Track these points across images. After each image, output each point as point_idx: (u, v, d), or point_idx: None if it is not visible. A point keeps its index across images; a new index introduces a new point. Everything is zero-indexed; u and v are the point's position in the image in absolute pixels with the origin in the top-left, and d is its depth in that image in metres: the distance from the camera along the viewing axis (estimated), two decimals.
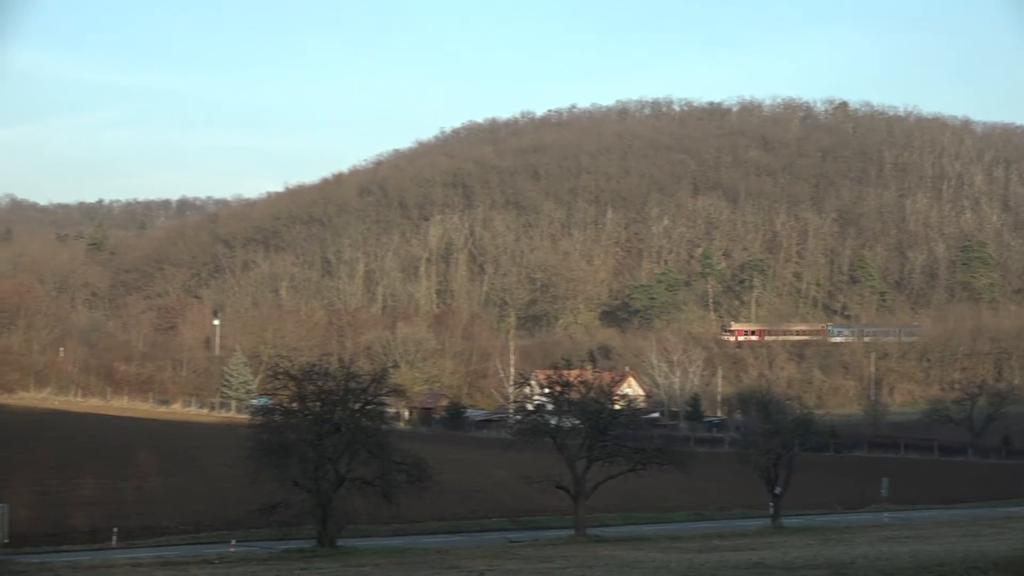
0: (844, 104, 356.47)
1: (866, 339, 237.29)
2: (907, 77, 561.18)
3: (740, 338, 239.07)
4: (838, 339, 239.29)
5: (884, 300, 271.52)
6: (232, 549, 64.48)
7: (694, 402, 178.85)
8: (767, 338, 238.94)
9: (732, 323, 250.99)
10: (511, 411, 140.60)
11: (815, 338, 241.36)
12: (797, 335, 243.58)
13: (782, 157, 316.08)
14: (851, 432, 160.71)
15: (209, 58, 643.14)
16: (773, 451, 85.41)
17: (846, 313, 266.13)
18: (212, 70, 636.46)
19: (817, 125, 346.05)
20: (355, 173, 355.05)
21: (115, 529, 73.96)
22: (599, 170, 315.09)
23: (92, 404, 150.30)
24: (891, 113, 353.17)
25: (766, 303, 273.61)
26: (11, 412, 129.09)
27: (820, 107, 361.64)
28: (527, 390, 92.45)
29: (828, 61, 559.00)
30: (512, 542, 67.78)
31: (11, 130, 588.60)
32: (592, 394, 78.52)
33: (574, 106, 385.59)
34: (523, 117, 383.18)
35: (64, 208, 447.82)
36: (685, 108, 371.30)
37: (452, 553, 59.41)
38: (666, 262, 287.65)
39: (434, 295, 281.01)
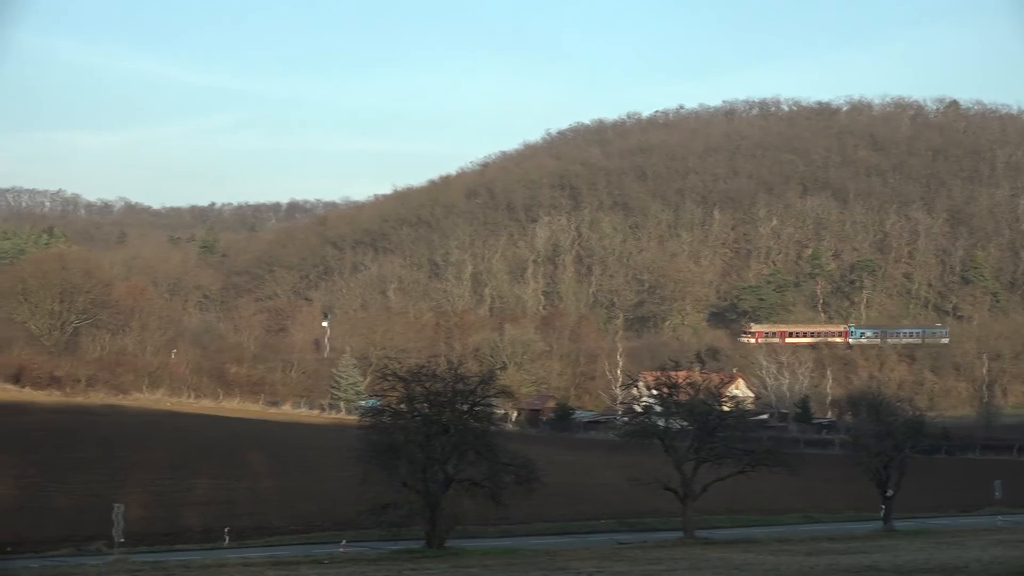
0: (955, 103, 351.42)
1: (890, 341, 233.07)
2: (1020, 75, 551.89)
3: (760, 340, 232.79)
4: (862, 341, 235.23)
5: (997, 301, 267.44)
6: (342, 549, 64.98)
7: (803, 404, 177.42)
8: (788, 340, 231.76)
9: (751, 324, 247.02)
10: (619, 413, 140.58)
11: (836, 339, 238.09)
12: (816, 336, 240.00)
13: (892, 157, 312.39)
14: (963, 434, 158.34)
15: (319, 62, 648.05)
16: (884, 453, 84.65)
17: (958, 314, 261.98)
18: (322, 74, 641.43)
19: (928, 124, 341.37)
20: (462, 175, 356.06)
21: (227, 529, 74.81)
22: (707, 171, 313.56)
23: (204, 405, 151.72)
24: (1003, 112, 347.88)
25: (876, 304, 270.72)
26: (126, 413, 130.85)
27: (931, 106, 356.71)
28: (635, 392, 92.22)
29: (938, 59, 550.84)
30: (620, 544, 67.74)
31: (125, 135, 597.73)
32: (700, 396, 78.27)
33: (681, 107, 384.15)
34: (630, 118, 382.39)
35: (176, 211, 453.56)
36: (793, 108, 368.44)
37: (560, 555, 59.47)
38: (774, 263, 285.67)
39: (541, 297, 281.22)
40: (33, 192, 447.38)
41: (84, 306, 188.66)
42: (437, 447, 65.87)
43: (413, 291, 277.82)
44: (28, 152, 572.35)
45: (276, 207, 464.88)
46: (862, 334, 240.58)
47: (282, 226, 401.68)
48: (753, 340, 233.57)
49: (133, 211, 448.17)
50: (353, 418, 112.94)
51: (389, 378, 72.20)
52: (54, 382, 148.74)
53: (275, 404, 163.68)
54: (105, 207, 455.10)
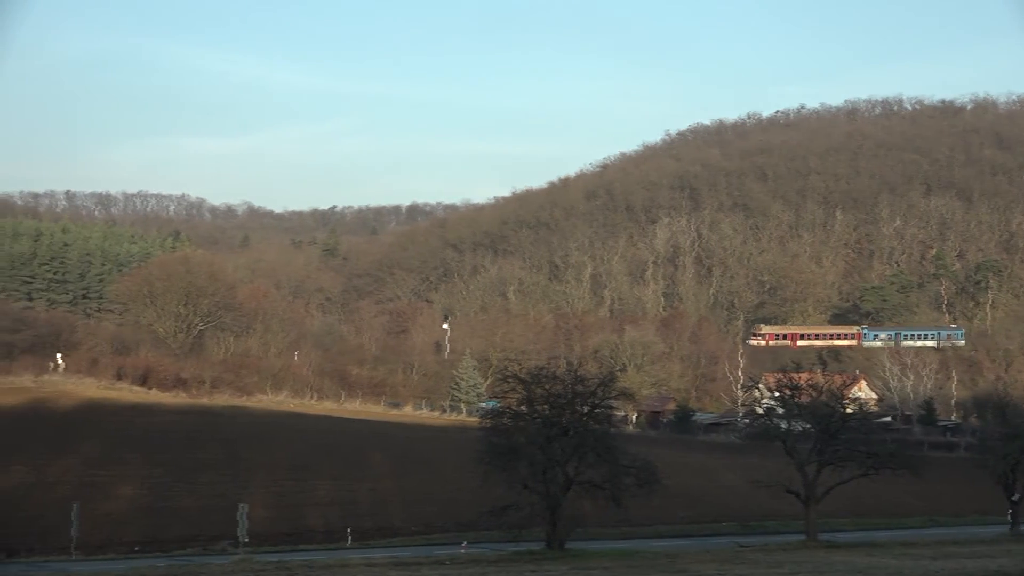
0: None
1: (905, 344, 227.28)
2: None
3: (771, 342, 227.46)
4: (875, 343, 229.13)
5: None
6: (463, 550, 65.33)
7: (928, 406, 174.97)
8: (800, 343, 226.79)
9: (761, 326, 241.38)
10: (740, 415, 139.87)
11: (849, 342, 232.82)
12: (831, 339, 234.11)
13: (1018, 155, 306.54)
14: None
15: (440, 66, 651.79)
16: (1011, 456, 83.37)
17: None
18: (442, 77, 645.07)
19: None
20: (581, 177, 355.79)
21: (349, 529, 75.54)
22: (828, 171, 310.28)
23: (326, 407, 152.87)
24: None
25: (1002, 305, 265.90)
26: (249, 415, 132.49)
27: None
28: (756, 393, 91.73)
29: None
30: (741, 547, 67.42)
31: (248, 140, 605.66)
32: (822, 398, 77.65)
33: (802, 107, 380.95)
34: (750, 118, 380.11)
35: (298, 215, 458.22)
36: (916, 107, 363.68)
37: (681, 557, 59.30)
38: (898, 263, 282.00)
39: (661, 298, 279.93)
40: (159, 196, 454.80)
41: (209, 309, 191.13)
42: (557, 449, 65.95)
43: (533, 293, 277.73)
44: (154, 157, 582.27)
45: (397, 210, 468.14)
46: (875, 336, 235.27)
47: (403, 229, 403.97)
48: (763, 342, 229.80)
49: (256, 215, 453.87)
50: (473, 420, 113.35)
51: (509, 380, 72.45)
52: (180, 384, 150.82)
53: (396, 406, 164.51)
54: (229, 211, 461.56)
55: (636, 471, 66.07)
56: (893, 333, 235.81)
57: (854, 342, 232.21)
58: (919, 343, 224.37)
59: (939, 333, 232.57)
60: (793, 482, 73.62)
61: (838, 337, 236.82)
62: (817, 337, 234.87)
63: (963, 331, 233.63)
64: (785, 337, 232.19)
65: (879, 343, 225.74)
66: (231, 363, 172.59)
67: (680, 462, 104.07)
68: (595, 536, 71.91)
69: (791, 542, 70.07)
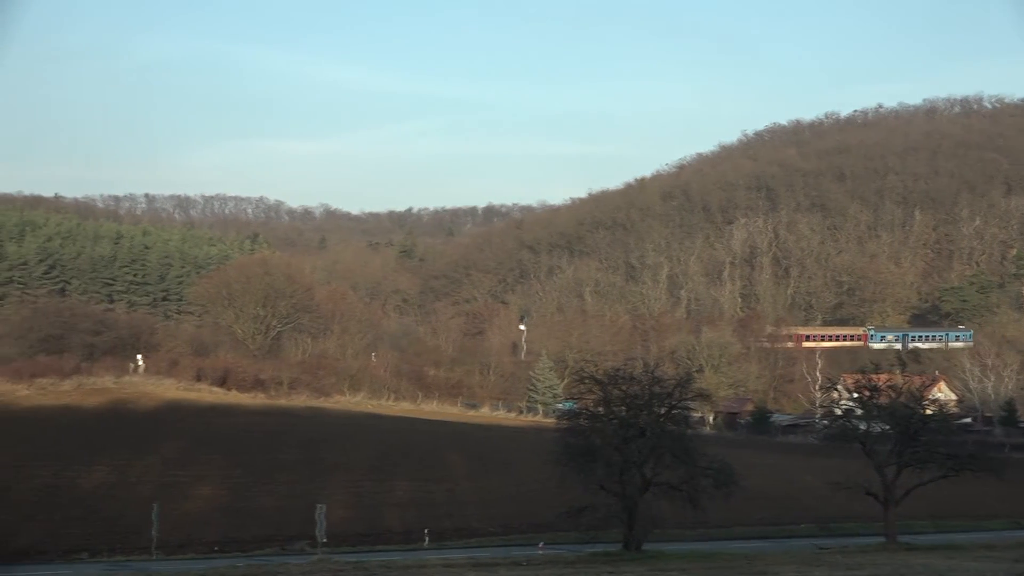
0: None
1: (912, 345, 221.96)
2: None
3: (775, 345, 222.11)
4: (881, 345, 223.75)
5: None
6: (540, 551, 65.37)
7: (1009, 407, 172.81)
8: (804, 344, 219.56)
9: (766, 327, 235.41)
10: (818, 416, 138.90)
11: (855, 343, 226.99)
12: (836, 340, 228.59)
13: None
14: None
15: (515, 67, 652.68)
16: None
17: None
18: (518, 79, 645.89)
19: None
20: (658, 177, 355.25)
21: (427, 530, 75.73)
22: (907, 171, 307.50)
23: (403, 408, 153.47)
24: None
25: None
26: (327, 416, 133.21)
27: None
28: (835, 394, 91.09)
29: None
30: (821, 549, 67.01)
31: (325, 142, 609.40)
32: (902, 399, 76.94)
33: (880, 106, 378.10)
34: (827, 118, 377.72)
35: (375, 217, 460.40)
36: (996, 105, 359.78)
37: (760, 559, 59.04)
38: (977, 263, 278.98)
39: (738, 299, 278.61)
40: (237, 199, 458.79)
41: (287, 310, 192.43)
42: (634, 450, 65.83)
43: (609, 294, 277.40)
44: (233, 160, 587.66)
45: (473, 211, 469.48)
46: (882, 338, 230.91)
47: (479, 230, 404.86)
48: (767, 344, 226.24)
49: (333, 217, 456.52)
50: (550, 421, 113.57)
51: (586, 381, 72.43)
52: (258, 385, 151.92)
53: (473, 406, 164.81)
54: (306, 213, 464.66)
55: (714, 472, 65.81)
56: (901, 335, 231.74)
57: (860, 343, 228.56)
58: (927, 344, 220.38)
59: (947, 335, 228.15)
60: (872, 484, 73.07)
61: (843, 339, 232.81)
62: (823, 339, 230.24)
63: (971, 332, 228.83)
64: (790, 338, 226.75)
65: (885, 345, 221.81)
66: (309, 364, 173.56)
67: (758, 463, 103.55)
68: (673, 537, 71.68)
69: (870, 544, 69.50)
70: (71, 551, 71.69)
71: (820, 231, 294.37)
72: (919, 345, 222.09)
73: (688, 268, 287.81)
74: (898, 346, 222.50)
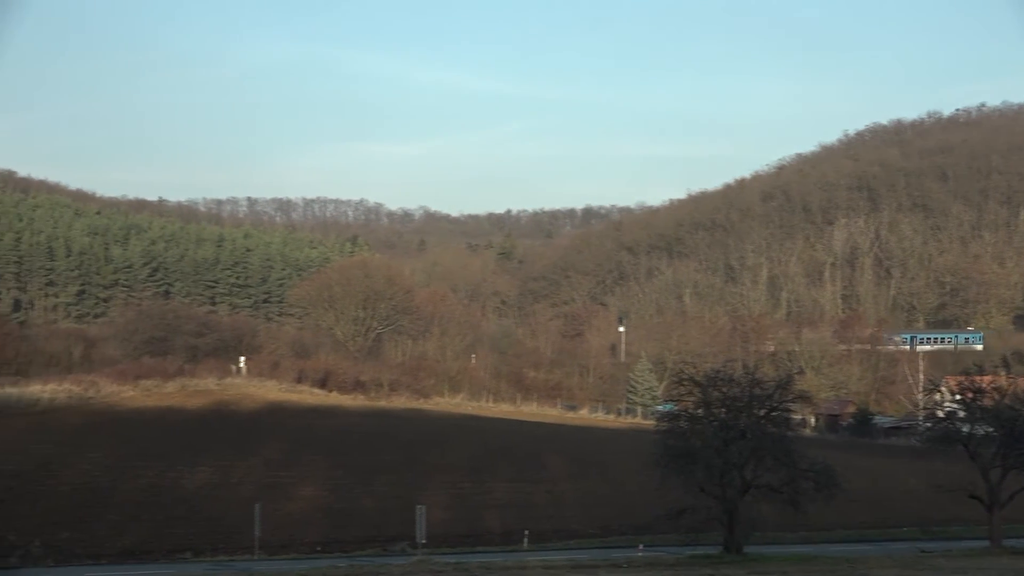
0: None
1: (922, 347, 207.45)
2: None
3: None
4: (888, 347, 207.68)
5: None
6: (640, 553, 65.23)
7: None
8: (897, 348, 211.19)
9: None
10: (921, 418, 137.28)
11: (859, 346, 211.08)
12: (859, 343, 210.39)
13: None
14: None
15: (613, 68, 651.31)
16: None
17: None
18: (616, 80, 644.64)
19: None
20: (757, 178, 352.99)
21: (526, 531, 75.79)
22: (1011, 170, 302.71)
23: (503, 409, 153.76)
24: None
25: None
26: (427, 417, 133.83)
27: None
28: (937, 397, 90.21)
29: None
30: (924, 552, 66.30)
31: (424, 145, 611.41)
32: (1007, 401, 75.92)
33: (983, 105, 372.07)
34: (929, 117, 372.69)
35: (474, 219, 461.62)
36: None
37: (861, 562, 58.59)
38: None
39: (839, 300, 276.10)
40: (338, 202, 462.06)
41: (387, 312, 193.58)
42: (734, 452, 65.55)
43: (708, 295, 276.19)
44: (333, 163, 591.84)
45: (572, 213, 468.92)
46: (888, 340, 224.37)
47: (578, 232, 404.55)
48: (868, 346, 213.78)
49: (433, 219, 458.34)
50: (649, 423, 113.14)
51: (685, 383, 72.25)
52: (359, 387, 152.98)
53: (572, 408, 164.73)
54: (406, 216, 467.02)
55: (815, 475, 65.33)
56: (908, 337, 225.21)
57: (867, 346, 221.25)
58: (934, 347, 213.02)
59: (956, 337, 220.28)
60: (976, 487, 72.19)
61: (866, 340, 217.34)
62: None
63: (981, 335, 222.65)
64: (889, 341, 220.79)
65: (891, 347, 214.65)
66: (409, 366, 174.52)
67: (859, 466, 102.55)
68: (773, 540, 71.28)
69: (975, 548, 68.68)
70: (175, 550, 72.61)
71: (922, 231, 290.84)
72: (927, 348, 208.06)
73: (788, 269, 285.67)
74: (906, 348, 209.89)
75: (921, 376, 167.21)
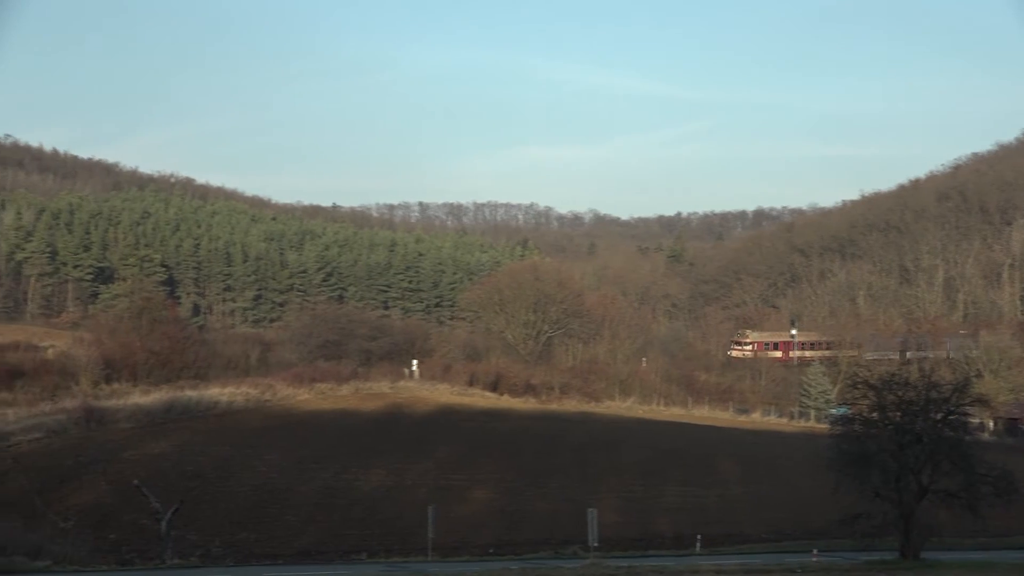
0: None
1: (913, 355, 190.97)
2: None
3: (760, 352, 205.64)
4: (872, 355, 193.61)
5: None
6: (814, 559, 64.58)
7: None
8: (793, 353, 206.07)
9: (748, 332, 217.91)
10: None
11: (851, 352, 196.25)
12: (827, 348, 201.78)
13: None
14: None
15: (783, 69, 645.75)
16: None
17: None
18: (786, 81, 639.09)
19: None
20: (932, 178, 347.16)
21: (698, 535, 75.52)
22: None
23: (674, 413, 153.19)
24: None
25: None
26: (598, 420, 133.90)
27: None
28: None
29: None
30: None
31: (593, 149, 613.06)
32: None
33: None
34: None
35: (644, 222, 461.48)
36: None
37: None
38: None
39: (1018, 302, 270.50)
40: (508, 206, 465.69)
41: (557, 316, 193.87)
42: (910, 456, 64.62)
43: (882, 298, 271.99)
44: (503, 168, 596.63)
45: (742, 215, 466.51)
46: (876, 348, 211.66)
47: (749, 234, 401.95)
48: (751, 352, 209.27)
49: (602, 222, 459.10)
50: (822, 426, 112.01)
51: (859, 386, 71.41)
52: (530, 390, 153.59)
53: (744, 412, 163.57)
54: (576, 219, 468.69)
55: (993, 480, 64.11)
56: (899, 340, 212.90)
57: (855, 353, 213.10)
58: (929, 354, 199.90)
59: (948, 341, 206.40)
60: None
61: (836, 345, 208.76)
62: (814, 346, 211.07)
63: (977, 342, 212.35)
64: (776, 346, 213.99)
65: (879, 354, 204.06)
66: (579, 369, 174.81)
67: None
68: (950, 546, 70.01)
69: None
70: (350, 551, 73.60)
71: None
72: (921, 354, 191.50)
73: (964, 270, 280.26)
74: (896, 356, 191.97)
75: None
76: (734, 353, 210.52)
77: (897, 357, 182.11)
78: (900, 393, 67.10)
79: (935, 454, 64.39)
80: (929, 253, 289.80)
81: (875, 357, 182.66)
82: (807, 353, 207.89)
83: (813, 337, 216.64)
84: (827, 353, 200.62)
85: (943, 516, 66.81)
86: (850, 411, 73.56)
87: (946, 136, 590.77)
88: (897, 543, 64.27)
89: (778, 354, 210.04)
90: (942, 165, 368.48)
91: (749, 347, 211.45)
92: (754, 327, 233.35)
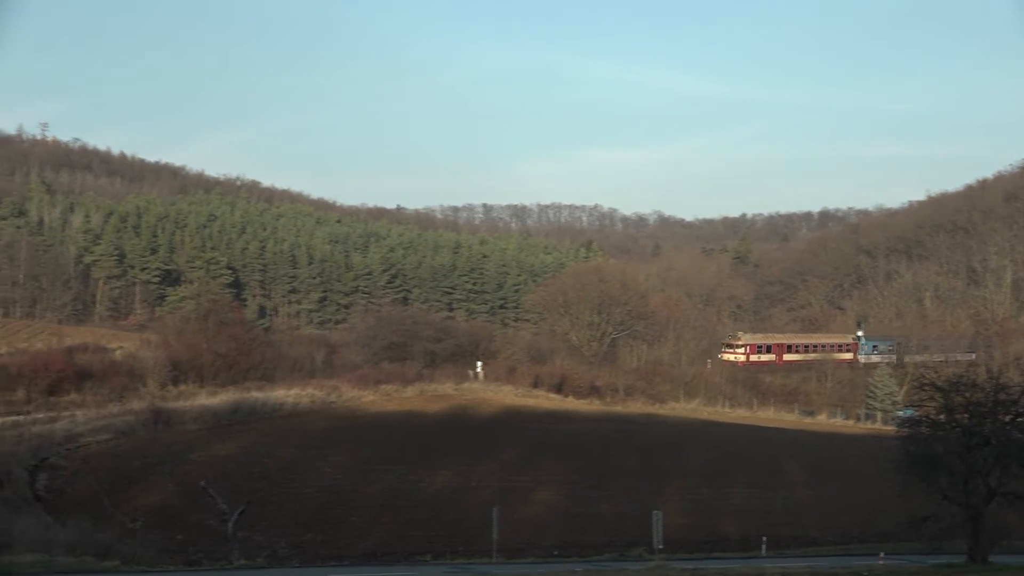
0: None
1: (911, 358, 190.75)
2: None
3: (753, 356, 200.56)
4: (872, 358, 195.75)
5: None
6: (881, 562, 64.15)
7: None
8: (785, 357, 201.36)
9: (740, 334, 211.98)
10: None
11: (845, 355, 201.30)
12: (821, 351, 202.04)
13: None
14: None
15: (848, 69, 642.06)
16: None
17: None
18: (852, 81, 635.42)
19: None
20: (1000, 178, 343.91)
21: (764, 538, 75.23)
22: None
23: (739, 415, 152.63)
24: None
25: None
26: (662, 422, 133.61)
27: None
28: None
29: None
30: None
31: (658, 149, 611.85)
32: None
33: None
34: None
35: (708, 223, 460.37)
36: None
37: None
38: None
39: None
40: (572, 207, 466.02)
41: (621, 317, 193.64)
42: (978, 459, 64.07)
43: (949, 299, 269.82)
44: (567, 170, 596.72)
45: (808, 216, 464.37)
46: (874, 347, 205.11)
47: (814, 235, 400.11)
48: (742, 356, 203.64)
49: (667, 224, 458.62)
50: (889, 428, 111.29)
51: (926, 388, 70.90)
52: (594, 392, 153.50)
53: (810, 414, 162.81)
54: (640, 220, 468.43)
55: None
56: (893, 343, 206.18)
57: (850, 355, 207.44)
58: (925, 357, 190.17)
59: (943, 340, 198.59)
60: None
61: (832, 349, 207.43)
62: (808, 349, 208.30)
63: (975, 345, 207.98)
64: (768, 349, 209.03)
65: (877, 357, 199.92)
66: (644, 371, 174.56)
67: None
68: (1020, 549, 69.38)
69: None
70: (415, 553, 73.75)
71: None
72: (916, 358, 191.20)
73: None
74: (892, 359, 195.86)
75: None
76: (725, 356, 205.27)
77: (964, 359, 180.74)
78: (968, 395, 66.59)
79: (1003, 456, 63.82)
80: (997, 254, 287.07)
81: (942, 359, 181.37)
82: (795, 356, 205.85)
83: (803, 339, 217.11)
84: (818, 356, 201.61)
85: (1012, 519, 66.28)
86: (917, 413, 73.09)
87: (1014, 136, 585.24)
88: (965, 546, 63.77)
89: (771, 357, 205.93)
90: (1010, 165, 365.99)
91: (741, 350, 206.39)
92: (819, 328, 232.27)
